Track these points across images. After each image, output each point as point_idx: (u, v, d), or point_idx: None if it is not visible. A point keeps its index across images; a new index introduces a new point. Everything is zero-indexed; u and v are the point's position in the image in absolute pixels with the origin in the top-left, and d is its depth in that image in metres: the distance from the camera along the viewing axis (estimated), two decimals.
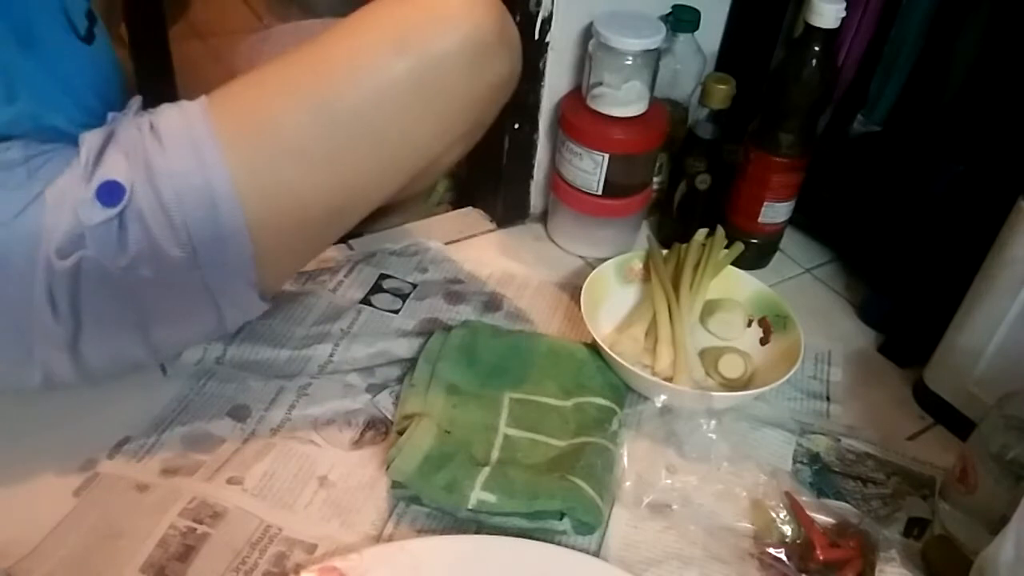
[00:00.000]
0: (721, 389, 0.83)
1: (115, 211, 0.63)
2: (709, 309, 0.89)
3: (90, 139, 0.65)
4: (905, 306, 0.91)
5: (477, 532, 0.68)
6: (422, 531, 0.69)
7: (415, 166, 0.72)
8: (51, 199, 0.63)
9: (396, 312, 0.89)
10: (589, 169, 0.93)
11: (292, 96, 0.66)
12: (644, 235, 1.03)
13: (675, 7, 0.97)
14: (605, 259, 0.91)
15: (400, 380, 0.81)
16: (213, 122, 0.65)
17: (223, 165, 0.64)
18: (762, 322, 0.88)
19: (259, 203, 0.65)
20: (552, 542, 0.67)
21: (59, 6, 0.66)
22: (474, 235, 1.03)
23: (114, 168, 0.64)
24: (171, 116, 0.66)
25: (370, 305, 0.89)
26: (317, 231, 0.72)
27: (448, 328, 0.85)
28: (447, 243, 1.00)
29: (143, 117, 0.66)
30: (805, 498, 0.72)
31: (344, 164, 0.68)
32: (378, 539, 0.68)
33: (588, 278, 0.87)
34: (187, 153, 0.64)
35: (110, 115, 0.68)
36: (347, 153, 0.67)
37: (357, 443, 0.75)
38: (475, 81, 0.69)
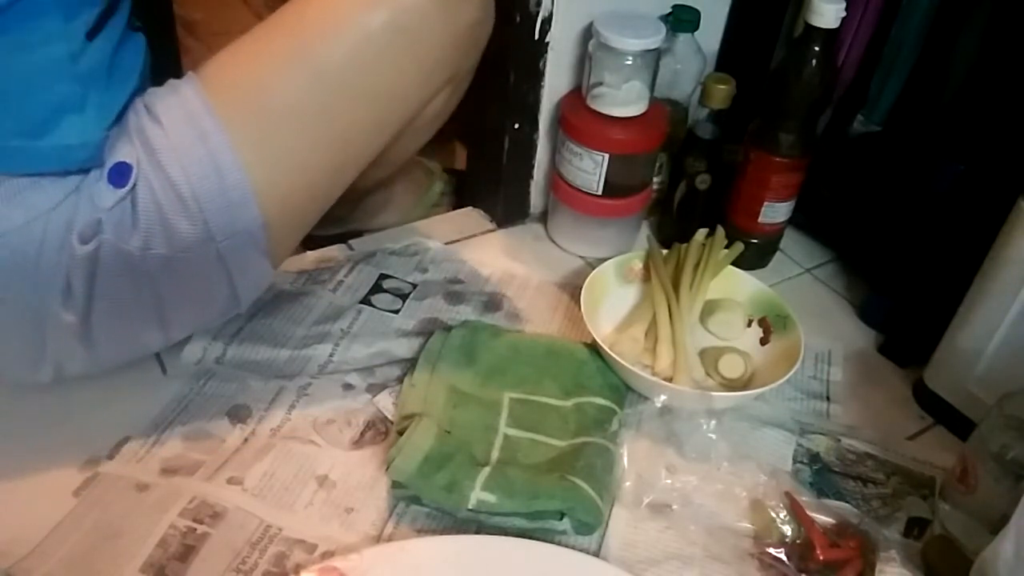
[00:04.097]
0: (721, 389, 0.83)
1: (125, 190, 0.64)
2: (709, 309, 0.89)
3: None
4: (905, 306, 0.91)
5: (477, 532, 0.68)
6: (422, 531, 0.69)
7: (404, 114, 0.75)
8: (82, 189, 0.64)
9: (396, 312, 0.89)
10: (589, 169, 0.93)
11: (277, 60, 0.68)
12: (644, 235, 1.03)
13: (675, 7, 0.97)
14: (605, 259, 0.91)
15: (400, 380, 0.81)
16: (206, 95, 0.66)
17: (222, 133, 0.65)
18: (762, 322, 0.88)
19: (261, 166, 0.67)
20: (552, 542, 0.67)
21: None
22: (474, 235, 1.03)
23: (120, 151, 0.65)
24: (164, 97, 0.67)
25: (370, 305, 0.89)
26: (319, 190, 0.74)
27: (448, 328, 0.85)
28: (447, 243, 1.00)
29: (137, 101, 0.68)
30: (805, 498, 0.72)
31: (336, 119, 0.70)
32: (378, 539, 0.68)
33: (588, 278, 0.87)
34: (186, 128, 0.66)
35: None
36: (337, 108, 0.69)
37: (357, 443, 0.75)
38: (449, 24, 0.72)
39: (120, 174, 0.64)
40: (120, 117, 0.67)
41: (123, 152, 0.65)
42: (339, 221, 1.00)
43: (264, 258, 0.71)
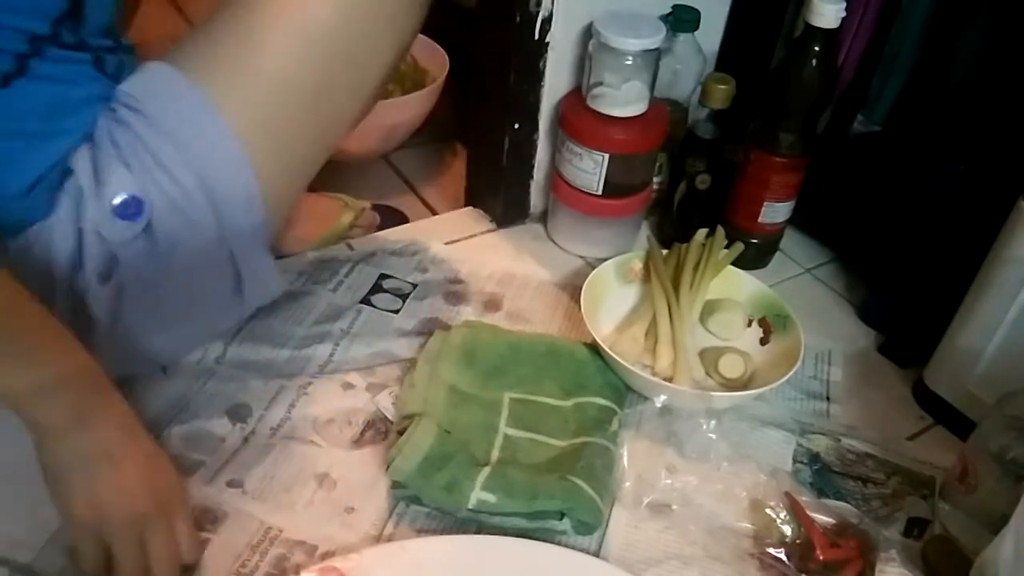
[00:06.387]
0: (721, 389, 0.83)
1: (141, 223, 0.63)
2: (709, 309, 0.89)
3: (79, 161, 0.64)
4: (905, 306, 0.91)
5: (477, 532, 0.68)
6: (422, 531, 0.69)
7: (379, 73, 0.72)
8: (59, 227, 0.63)
9: (396, 312, 0.89)
10: (589, 169, 0.93)
11: (260, 32, 0.65)
12: (644, 235, 1.02)
13: (675, 7, 0.97)
14: (605, 259, 0.91)
15: (400, 380, 0.81)
16: (195, 86, 0.64)
17: (222, 124, 0.63)
18: (762, 322, 0.88)
19: (259, 150, 0.65)
20: (552, 542, 0.67)
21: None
22: (474, 235, 1.03)
23: (121, 183, 0.63)
24: (152, 94, 0.64)
25: (370, 305, 0.89)
26: (305, 166, 0.73)
27: (448, 328, 0.85)
28: (447, 243, 1.00)
29: (116, 110, 0.65)
30: (805, 498, 0.72)
31: (323, 87, 0.67)
32: (378, 539, 0.68)
33: (588, 278, 0.87)
34: (188, 129, 0.64)
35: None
36: (324, 71, 0.67)
37: (357, 443, 0.75)
38: None
39: (128, 206, 0.62)
40: (90, 137, 0.63)
41: (125, 184, 0.62)
42: None
43: (266, 250, 0.71)
